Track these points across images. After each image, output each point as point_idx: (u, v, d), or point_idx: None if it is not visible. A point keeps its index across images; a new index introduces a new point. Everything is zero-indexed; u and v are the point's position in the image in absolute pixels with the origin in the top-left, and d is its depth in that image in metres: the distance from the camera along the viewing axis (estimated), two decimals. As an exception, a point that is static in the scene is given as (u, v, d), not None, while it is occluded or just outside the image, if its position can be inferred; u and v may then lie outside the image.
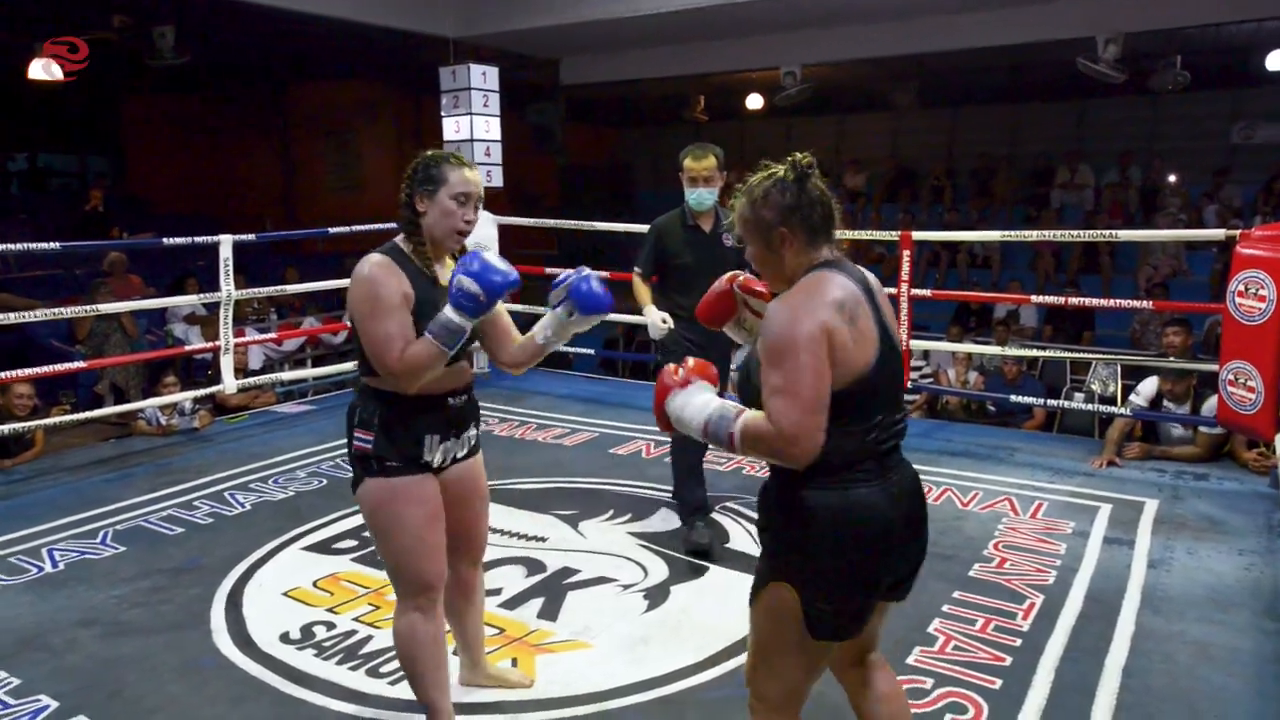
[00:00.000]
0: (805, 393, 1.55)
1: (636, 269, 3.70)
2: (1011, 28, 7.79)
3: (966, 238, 8.87)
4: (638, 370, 8.36)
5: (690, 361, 1.77)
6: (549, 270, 7.37)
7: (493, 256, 2.02)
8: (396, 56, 9.68)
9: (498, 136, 6.42)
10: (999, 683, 2.55)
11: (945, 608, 2.99)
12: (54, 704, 2.50)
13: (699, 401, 1.70)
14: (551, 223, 6.80)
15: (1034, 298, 5.74)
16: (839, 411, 1.60)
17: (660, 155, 16.30)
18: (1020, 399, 5.35)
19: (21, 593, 3.20)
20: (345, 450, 2.25)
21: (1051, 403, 5.48)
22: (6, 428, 4.38)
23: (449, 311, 1.97)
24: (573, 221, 6.76)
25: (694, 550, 3.43)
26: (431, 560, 2.16)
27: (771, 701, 1.79)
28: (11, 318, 4.24)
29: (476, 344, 2.27)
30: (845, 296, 1.63)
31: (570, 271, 2.19)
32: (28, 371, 4.50)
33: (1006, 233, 5.36)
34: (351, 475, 2.17)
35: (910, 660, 2.66)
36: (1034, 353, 6.42)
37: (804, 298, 1.62)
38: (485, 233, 6.27)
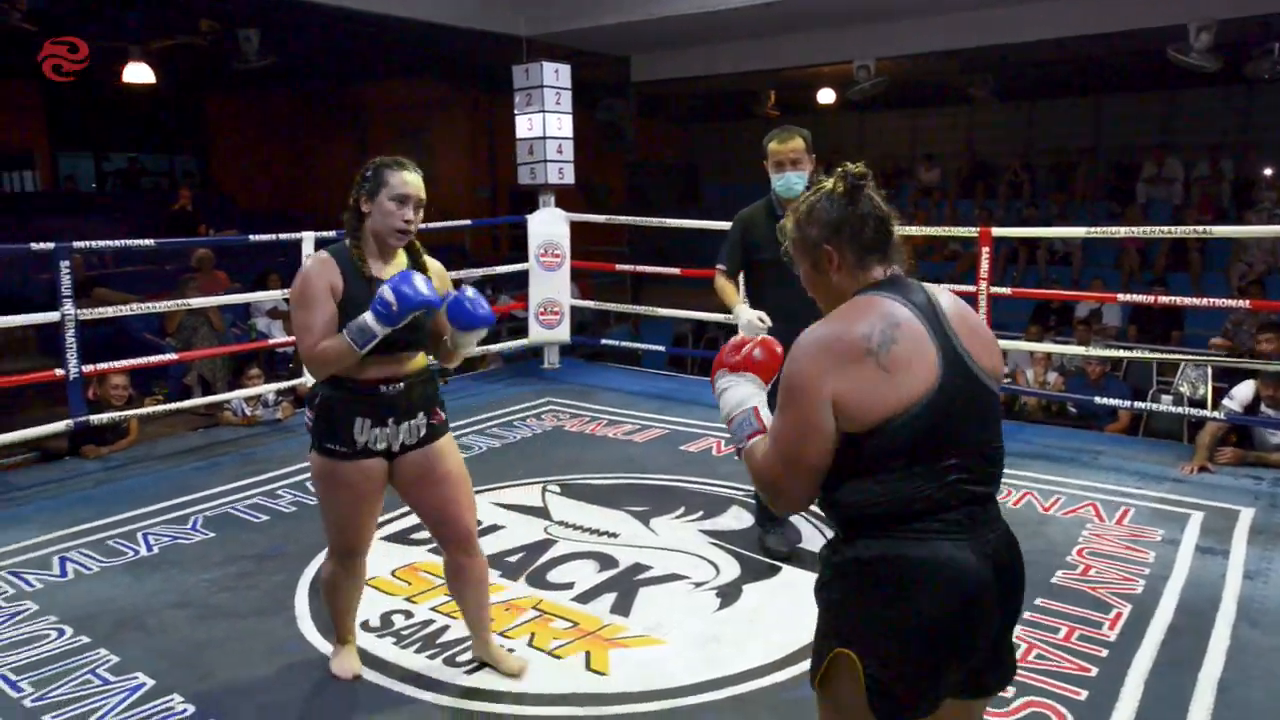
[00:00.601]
0: (785, 446, 1.44)
1: (720, 265, 3.43)
2: (1098, 16, 7.53)
3: (1050, 234, 8.65)
4: (706, 367, 8.33)
5: (759, 345, 1.64)
6: (619, 267, 7.44)
7: (418, 277, 2.20)
8: (469, 55, 9.84)
9: (569, 134, 6.46)
10: (1084, 694, 2.47)
11: (1027, 615, 2.91)
12: (150, 682, 2.60)
13: (738, 395, 1.59)
14: (622, 219, 6.82)
15: (1120, 296, 5.52)
16: (884, 452, 1.41)
17: (729, 151, 16.25)
18: (1105, 400, 5.18)
19: (119, 574, 3.35)
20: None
21: (1138, 405, 5.28)
22: (104, 416, 4.58)
23: (366, 315, 2.17)
24: (642, 219, 6.77)
25: (770, 556, 3.36)
26: (352, 535, 2.44)
27: None
28: (109, 311, 4.42)
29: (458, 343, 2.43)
30: (880, 323, 1.43)
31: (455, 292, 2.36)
32: (124, 363, 4.70)
33: (1092, 229, 5.17)
34: None
35: (991, 667, 2.59)
36: (1119, 353, 6.20)
37: (823, 329, 1.46)
38: (556, 229, 6.33)
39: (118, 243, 4.64)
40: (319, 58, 10.41)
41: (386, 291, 2.15)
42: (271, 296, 6.66)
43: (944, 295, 1.55)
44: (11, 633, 2.89)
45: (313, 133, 13.12)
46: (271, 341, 6.78)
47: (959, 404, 1.44)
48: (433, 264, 2.48)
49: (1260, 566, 3.27)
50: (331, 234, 5.79)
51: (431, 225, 6.65)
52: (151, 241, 4.94)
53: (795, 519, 3.74)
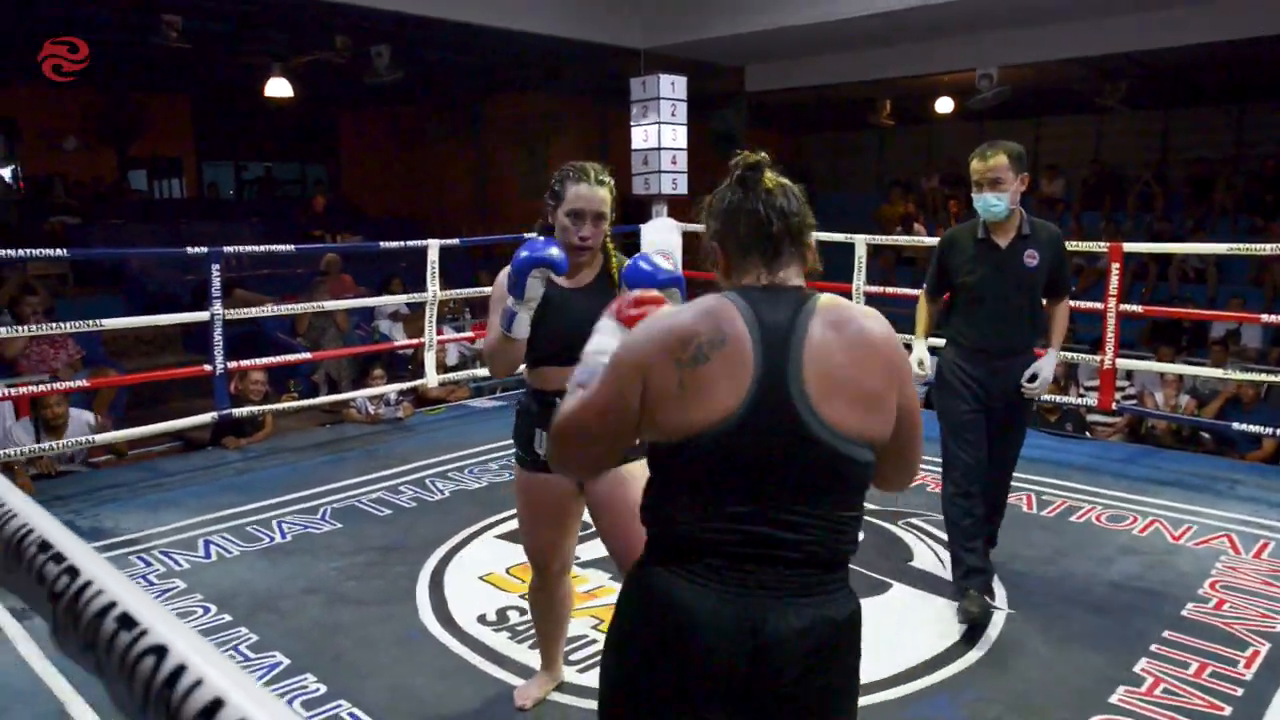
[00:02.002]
0: (580, 406, 1.34)
1: (925, 286, 3.32)
2: (1245, 20, 7.11)
3: (1186, 249, 8.23)
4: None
5: (655, 306, 1.43)
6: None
7: (544, 247, 2.04)
8: (586, 67, 10.04)
9: (684, 145, 6.53)
10: (1217, 732, 2.36)
11: (1153, 647, 2.80)
12: (286, 661, 2.78)
13: (600, 343, 1.42)
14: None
15: (1264, 317, 5.20)
16: (679, 478, 1.30)
17: (842, 160, 16.06)
18: (1242, 426, 4.89)
19: (257, 559, 3.58)
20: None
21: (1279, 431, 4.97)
22: (246, 410, 4.90)
23: (508, 298, 2.09)
24: (755, 229, 6.78)
25: (966, 621, 2.94)
26: (534, 547, 2.39)
27: None
28: (252, 312, 4.73)
29: None
30: (706, 335, 1.26)
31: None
32: (263, 361, 5.03)
33: (1234, 245, 4.90)
34: None
35: (1114, 699, 2.51)
36: (1260, 376, 5.85)
37: (658, 323, 1.31)
38: (669, 239, 6.41)
39: (263, 248, 4.97)
40: (443, 72, 10.82)
41: (509, 267, 2.07)
42: (396, 301, 6.97)
43: (825, 322, 1.29)
44: (165, 607, 3.13)
45: (434, 144, 13.63)
46: (397, 343, 7.08)
47: (766, 449, 1.25)
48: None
49: None
50: (456, 241, 6.05)
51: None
52: (291, 247, 5.26)
53: (907, 538, 3.69)
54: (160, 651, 0.54)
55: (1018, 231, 3.04)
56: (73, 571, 0.64)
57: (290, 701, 2.54)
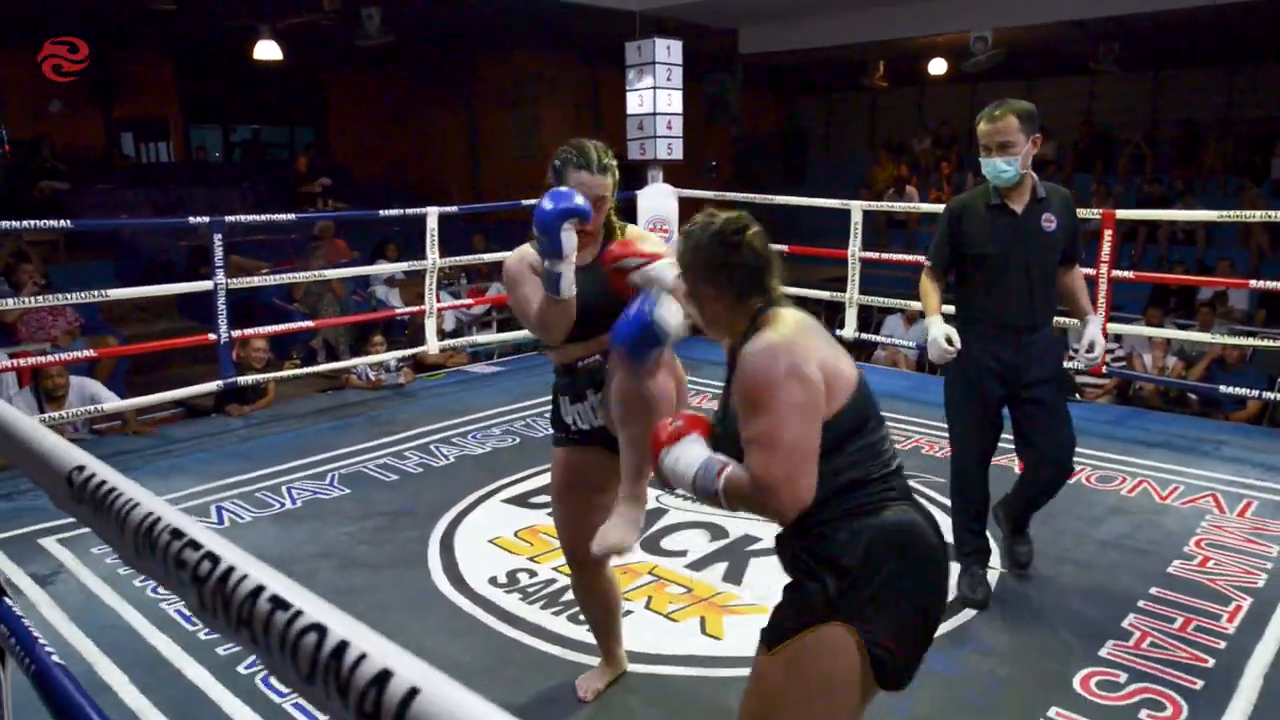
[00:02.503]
0: (785, 437, 1.47)
1: (926, 261, 3.03)
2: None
3: (1177, 216, 8.31)
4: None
5: (678, 418, 1.66)
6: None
7: (559, 190, 2.04)
8: (578, 28, 9.96)
9: (679, 110, 6.53)
10: (1200, 684, 2.48)
11: (1141, 603, 2.91)
12: (305, 623, 2.86)
13: (689, 456, 1.58)
14: (730, 196, 6.87)
15: (1252, 282, 5.29)
16: (847, 439, 1.54)
17: (835, 122, 16.01)
18: (1228, 389, 5.01)
19: (269, 525, 3.66)
20: (534, 410, 2.46)
21: (1266, 394, 5.09)
22: (250, 378, 4.95)
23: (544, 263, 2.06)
24: (750, 195, 6.80)
25: (968, 604, 2.92)
26: (560, 530, 2.35)
27: None
28: (255, 281, 4.76)
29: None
30: (810, 319, 1.61)
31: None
32: (265, 329, 5.07)
33: (1224, 213, 4.97)
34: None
35: (1103, 653, 2.63)
36: (1244, 340, 5.96)
37: (771, 331, 1.55)
38: (665, 204, 6.44)
39: (263, 217, 4.98)
40: (434, 33, 10.71)
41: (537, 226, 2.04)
42: (396, 268, 6.99)
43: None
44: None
45: (424, 106, 13.52)
46: (398, 311, 7.12)
47: (867, 386, 1.62)
48: (632, 232, 2.28)
49: (1394, 566, 3.18)
50: (454, 209, 6.05)
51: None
52: (291, 216, 5.28)
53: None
54: (320, 630, 0.60)
55: (1032, 195, 2.84)
56: (213, 557, 0.70)
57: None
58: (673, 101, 6.51)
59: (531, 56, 12.10)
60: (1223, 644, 2.68)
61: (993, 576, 3.13)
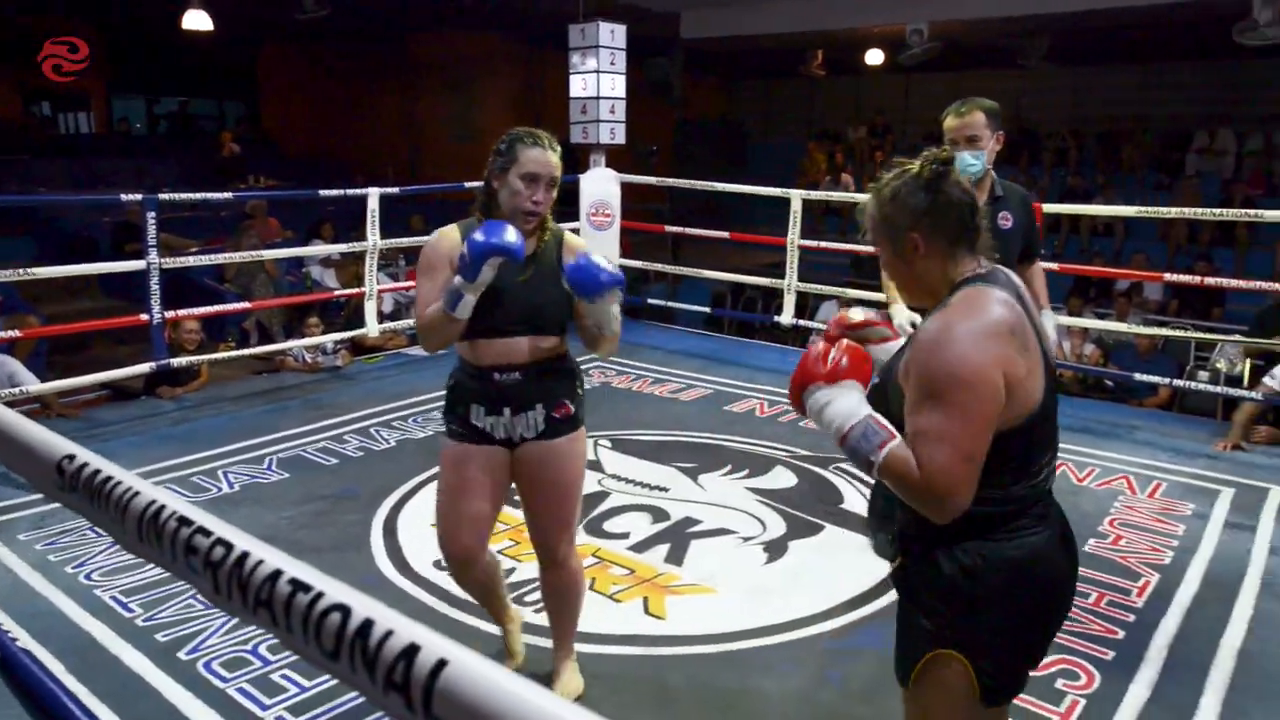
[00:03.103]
0: (961, 440, 1.35)
1: None
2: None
3: (1096, 211, 8.62)
4: (744, 329, 8.48)
5: (845, 352, 1.51)
6: (668, 229, 7.56)
7: (499, 225, 2.00)
8: (519, 9, 9.87)
9: (623, 94, 6.55)
10: (1111, 654, 2.64)
11: (1059, 580, 3.08)
12: (247, 608, 2.85)
13: (845, 406, 1.46)
14: (672, 182, 6.93)
15: (1166, 275, 5.57)
16: (1007, 455, 1.42)
17: (773, 109, 16.17)
18: (1141, 376, 5.27)
19: (207, 510, 3.58)
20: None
21: (1175, 382, 5.37)
22: (183, 360, 4.84)
23: (455, 277, 2.03)
24: (691, 181, 6.86)
25: (886, 556, 3.13)
26: (449, 528, 2.27)
27: None
28: (190, 261, 4.65)
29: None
30: (1014, 319, 1.42)
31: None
32: (199, 311, 4.96)
33: (1143, 209, 5.21)
34: None
35: (1023, 627, 2.78)
36: (1157, 331, 6.26)
37: (970, 319, 1.40)
38: (608, 189, 6.46)
39: (197, 195, 4.86)
40: (372, 9, 10.49)
41: (463, 246, 2.02)
42: (329, 250, 6.88)
43: (1019, 281, 1.55)
44: (119, 559, 3.15)
45: (361, 82, 13.25)
46: (333, 293, 7.01)
47: (1051, 405, 1.48)
48: (573, 241, 2.28)
49: (1287, 543, 3.41)
50: (395, 190, 5.98)
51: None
52: (228, 195, 5.16)
53: (837, 481, 3.92)
54: (344, 609, 0.64)
55: (990, 193, 2.89)
56: (225, 543, 0.73)
57: (254, 650, 2.62)
58: (616, 86, 6.52)
59: (472, 37, 11.95)
60: (1132, 617, 2.85)
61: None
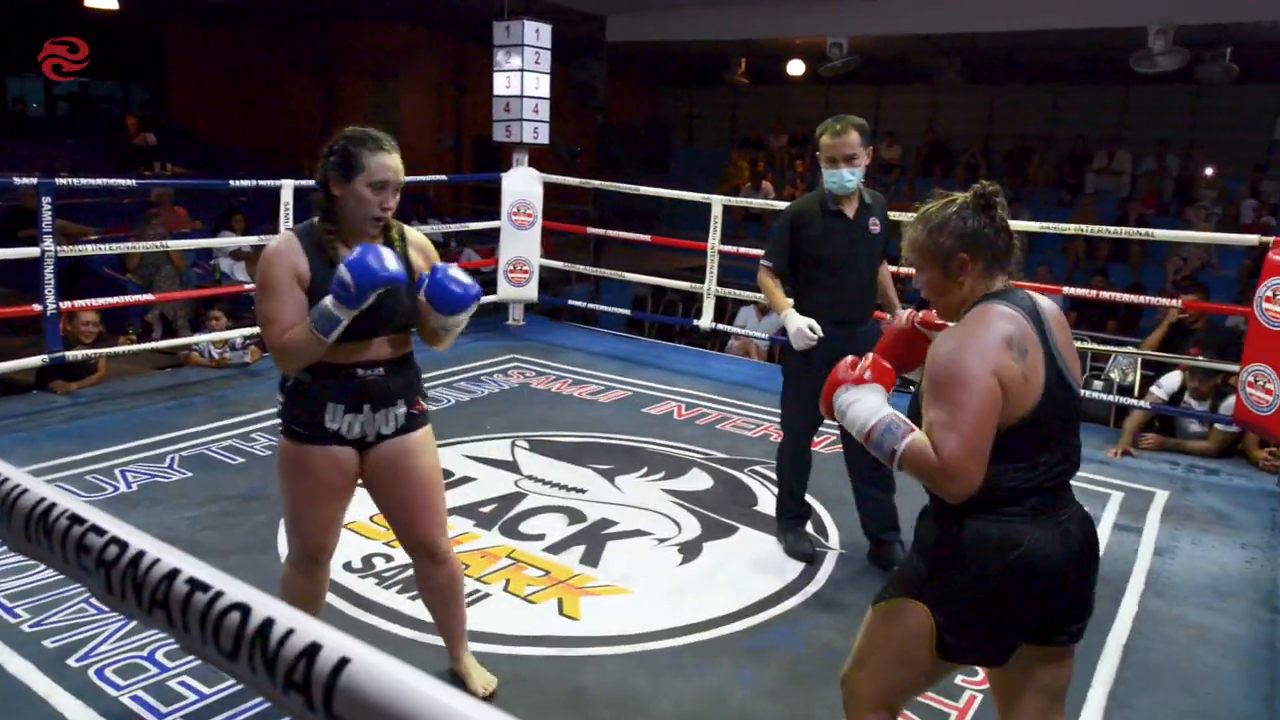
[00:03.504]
0: (968, 430, 1.56)
1: (765, 263, 3.24)
2: (1065, 12, 7.78)
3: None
4: (664, 331, 8.54)
5: (870, 365, 1.73)
6: (590, 230, 7.56)
7: (381, 251, 1.97)
8: (442, 2, 9.73)
9: (547, 94, 6.52)
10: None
11: (961, 579, 3.19)
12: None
13: (870, 404, 1.67)
14: (596, 184, 6.93)
15: (1064, 289, 5.84)
16: (1005, 448, 1.61)
17: (697, 115, 16.33)
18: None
19: (102, 509, 3.44)
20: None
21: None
22: (79, 354, 4.61)
23: (327, 299, 1.97)
24: (615, 184, 6.88)
25: (795, 557, 3.27)
26: (311, 532, 2.22)
27: (866, 703, 1.79)
28: (89, 249, 4.44)
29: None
30: (1015, 330, 1.62)
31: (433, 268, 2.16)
32: (97, 302, 4.73)
33: (1044, 225, 5.46)
34: None
35: (927, 625, 2.87)
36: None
37: (974, 332, 1.63)
38: (530, 189, 6.42)
39: (100, 181, 4.64)
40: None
41: (344, 270, 1.95)
42: (239, 242, 6.66)
43: (1042, 300, 1.73)
44: (4, 560, 2.99)
45: (277, 70, 12.86)
46: (244, 287, 6.77)
47: (1057, 409, 1.65)
48: (414, 237, 2.27)
49: (1169, 544, 3.61)
50: (311, 182, 5.81)
51: (407, 178, 6.68)
52: (132, 182, 4.94)
53: (752, 484, 3.98)
54: (244, 608, 0.62)
55: (860, 201, 3.14)
56: (120, 542, 0.70)
57: (150, 656, 2.52)
58: (540, 85, 6.49)
59: (393, 27, 11.73)
60: (1028, 615, 2.97)
61: (833, 557, 3.34)
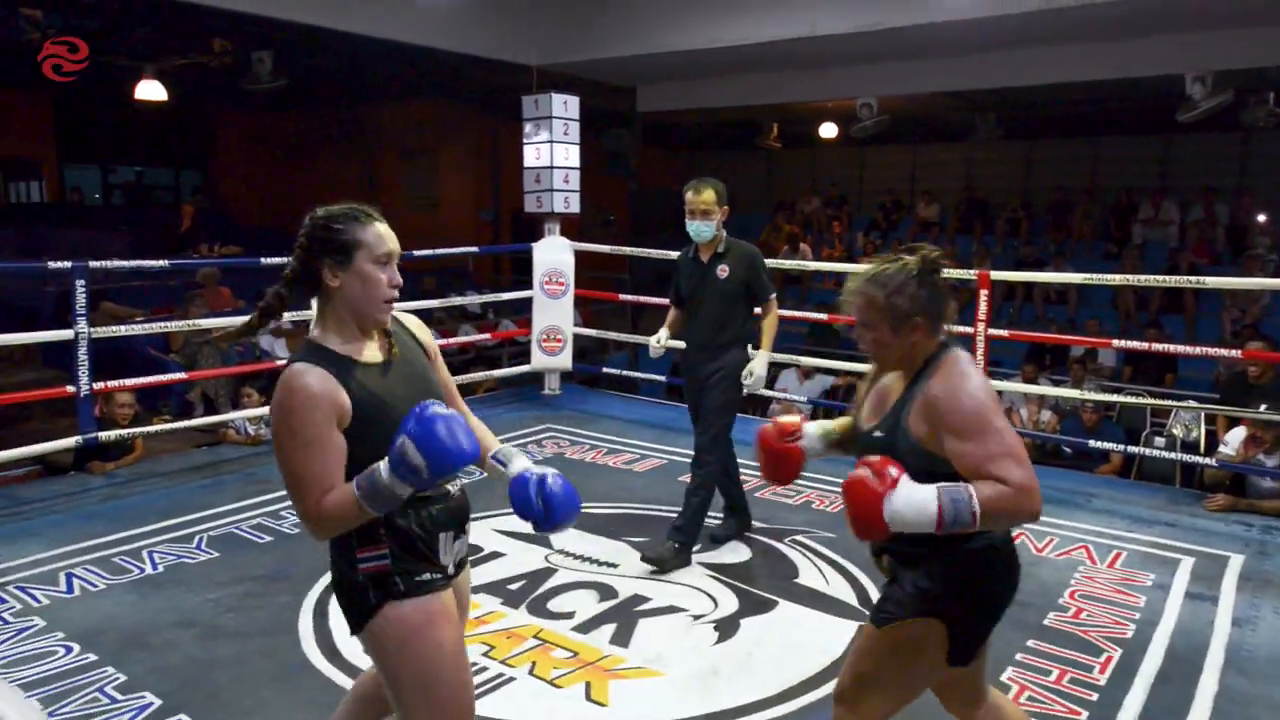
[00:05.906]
0: (1017, 449, 1.69)
1: (671, 298, 4.05)
2: (1098, 64, 7.67)
3: (1045, 279, 8.76)
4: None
5: (876, 459, 1.72)
6: (623, 298, 7.53)
7: (451, 423, 1.60)
8: (477, 80, 9.96)
9: (576, 163, 6.56)
10: (1075, 736, 2.52)
11: (1019, 656, 2.97)
12: (157, 701, 2.65)
13: (921, 496, 1.68)
14: (625, 250, 6.91)
15: (1115, 342, 5.62)
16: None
17: (730, 180, 16.40)
18: (1098, 443, 5.25)
19: (125, 592, 3.39)
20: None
21: (1131, 449, 5.35)
22: (112, 434, 4.62)
23: (386, 475, 1.59)
24: (644, 250, 6.85)
25: (650, 561, 3.62)
26: (469, 699, 1.81)
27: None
28: (121, 330, 4.49)
29: None
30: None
31: (526, 471, 1.79)
32: (133, 382, 4.75)
33: (1090, 275, 5.27)
34: (352, 611, 1.76)
35: (983, 708, 2.65)
36: (1112, 397, 6.28)
37: (968, 373, 1.78)
38: (561, 258, 6.42)
39: (132, 263, 4.72)
40: (329, 79, 10.54)
41: (413, 452, 1.57)
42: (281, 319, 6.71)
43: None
44: (20, 648, 2.93)
45: (317, 151, 13.25)
46: (279, 362, 6.82)
47: None
48: (409, 321, 1.93)
49: (1248, 614, 3.33)
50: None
51: (440, 251, 6.77)
52: (165, 263, 5.02)
53: (792, 554, 3.80)
54: None
55: (714, 250, 3.80)
56: None
57: (162, 746, 2.41)
58: (570, 156, 6.54)
59: (429, 105, 12.04)
60: (1095, 696, 2.74)
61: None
